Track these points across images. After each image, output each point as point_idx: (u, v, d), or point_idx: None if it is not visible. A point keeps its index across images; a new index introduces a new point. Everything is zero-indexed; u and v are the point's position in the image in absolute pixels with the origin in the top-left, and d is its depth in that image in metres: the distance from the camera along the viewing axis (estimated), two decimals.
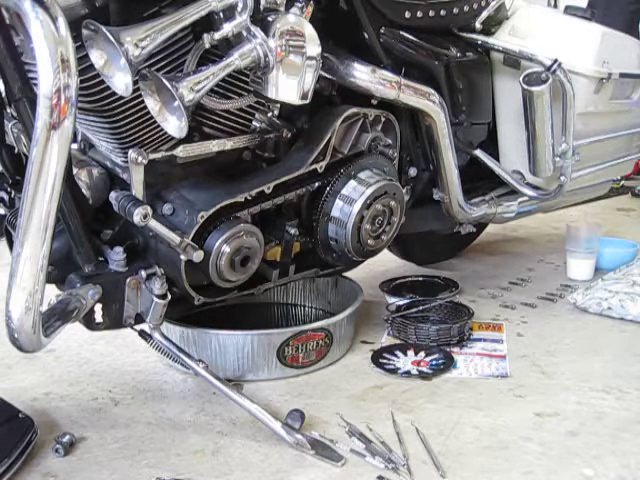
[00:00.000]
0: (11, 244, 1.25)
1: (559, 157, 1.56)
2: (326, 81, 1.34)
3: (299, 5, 1.14)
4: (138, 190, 1.15)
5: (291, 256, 1.35)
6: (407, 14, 1.45)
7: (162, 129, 1.09)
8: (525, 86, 1.47)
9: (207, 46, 1.07)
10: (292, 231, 1.31)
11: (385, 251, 1.58)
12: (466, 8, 1.55)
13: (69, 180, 1.09)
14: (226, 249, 1.17)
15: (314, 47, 1.12)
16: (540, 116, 1.49)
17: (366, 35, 1.39)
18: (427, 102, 1.42)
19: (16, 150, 1.23)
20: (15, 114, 1.10)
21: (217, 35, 1.06)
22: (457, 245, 2.13)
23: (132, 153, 1.13)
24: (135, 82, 1.00)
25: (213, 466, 1.07)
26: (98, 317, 1.17)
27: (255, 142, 1.28)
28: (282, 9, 1.12)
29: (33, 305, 0.91)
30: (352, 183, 1.33)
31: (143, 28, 0.98)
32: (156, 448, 1.12)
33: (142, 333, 1.24)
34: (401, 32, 1.45)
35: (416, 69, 1.46)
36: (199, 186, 1.22)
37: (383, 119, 1.41)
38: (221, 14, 1.06)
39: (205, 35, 1.06)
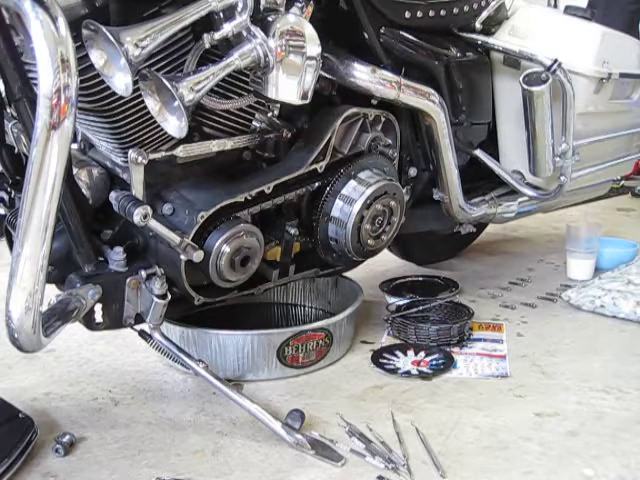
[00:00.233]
0: (11, 244, 1.25)
1: (559, 157, 1.56)
2: (326, 81, 1.34)
3: (299, 5, 1.14)
4: (138, 190, 1.15)
5: (291, 256, 1.35)
6: (407, 14, 1.45)
7: (162, 129, 1.09)
8: (525, 86, 1.47)
9: (207, 46, 1.07)
10: (292, 231, 1.31)
11: (385, 251, 1.58)
12: (466, 8, 1.55)
13: (69, 180, 1.09)
14: (226, 249, 1.17)
15: (314, 47, 1.12)
16: (540, 116, 1.49)
17: (366, 35, 1.39)
18: (427, 102, 1.42)
19: (16, 150, 1.23)
20: (15, 114, 1.10)
21: (217, 35, 1.06)
22: (457, 245, 2.13)
23: (132, 153, 1.13)
24: (135, 82, 1.00)
25: (213, 466, 1.07)
26: (98, 317, 1.17)
27: (255, 142, 1.28)
28: (282, 9, 1.12)
29: (33, 305, 0.91)
30: (352, 183, 1.33)
31: (143, 28, 0.98)
32: (156, 448, 1.12)
33: (142, 333, 1.24)
34: (401, 32, 1.45)
35: (416, 69, 1.46)
36: (199, 186, 1.22)
37: (383, 119, 1.41)
38: (221, 14, 1.06)
39: (205, 35, 1.06)
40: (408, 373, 1.36)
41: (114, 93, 1.04)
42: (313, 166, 1.30)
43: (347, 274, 1.58)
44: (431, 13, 1.49)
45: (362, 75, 1.32)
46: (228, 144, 1.24)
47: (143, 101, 1.06)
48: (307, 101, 1.16)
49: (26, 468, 1.06)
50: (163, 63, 1.08)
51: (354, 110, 1.35)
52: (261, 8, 1.10)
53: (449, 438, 1.13)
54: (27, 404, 1.25)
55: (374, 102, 1.38)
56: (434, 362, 1.40)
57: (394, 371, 1.37)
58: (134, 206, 1.09)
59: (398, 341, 1.52)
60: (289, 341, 1.32)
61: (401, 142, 1.47)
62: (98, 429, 1.18)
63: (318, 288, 1.65)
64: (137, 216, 1.08)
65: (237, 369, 1.33)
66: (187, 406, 1.25)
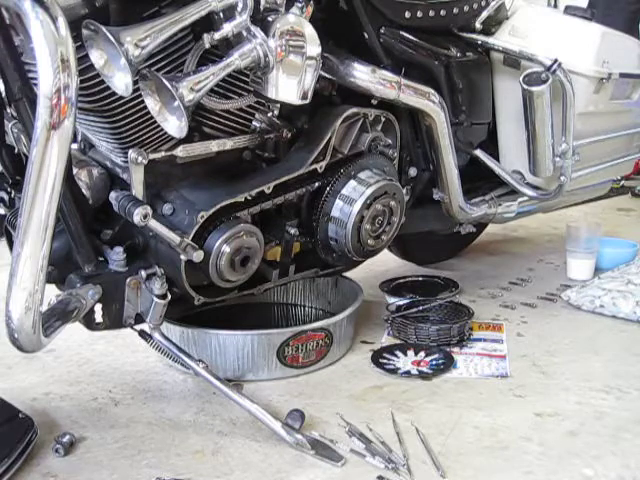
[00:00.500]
0: (11, 244, 1.25)
1: (559, 157, 1.56)
2: (326, 81, 1.34)
3: (299, 5, 1.14)
4: (138, 190, 1.15)
5: (291, 256, 1.35)
6: (407, 14, 1.45)
7: (162, 129, 1.09)
8: (525, 86, 1.47)
9: (207, 46, 1.07)
10: (292, 231, 1.31)
11: (385, 251, 1.58)
12: (466, 8, 1.55)
13: (69, 180, 1.09)
14: (226, 249, 1.17)
15: (314, 47, 1.12)
16: (540, 116, 1.49)
17: (366, 35, 1.39)
18: (427, 102, 1.42)
19: (16, 150, 1.23)
20: (15, 114, 1.10)
21: (217, 35, 1.06)
22: (457, 245, 2.13)
23: (132, 153, 1.13)
24: (135, 82, 1.00)
25: (213, 466, 1.07)
26: (98, 317, 1.17)
27: (255, 142, 1.28)
28: (282, 9, 1.12)
29: (33, 305, 0.91)
30: (352, 183, 1.33)
31: (143, 28, 0.98)
32: (156, 448, 1.12)
33: (142, 333, 1.24)
34: (401, 32, 1.45)
35: (416, 69, 1.46)
36: (199, 186, 1.22)
37: (383, 119, 1.41)
38: (221, 14, 1.06)
39: (205, 35, 1.06)
40: (408, 373, 1.36)
41: (114, 93, 1.04)
42: (313, 166, 1.30)
43: (347, 274, 1.58)
44: (431, 13, 1.49)
45: (362, 75, 1.32)
46: (228, 144, 1.24)
47: (143, 101, 1.06)
48: (307, 101, 1.16)
49: (26, 468, 1.06)
50: (163, 63, 1.08)
51: (354, 110, 1.35)
52: (261, 8, 1.10)
53: (449, 438, 1.13)
54: (27, 404, 1.25)
55: (374, 102, 1.38)
56: (434, 362, 1.40)
57: (394, 371, 1.37)
58: (134, 206, 1.09)
59: (398, 341, 1.52)
60: (289, 341, 1.32)
61: (401, 142, 1.47)
62: (98, 429, 1.18)
63: (318, 288, 1.65)
64: (137, 216, 1.08)
65: (237, 369, 1.33)
66: (187, 406, 1.25)
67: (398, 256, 2.03)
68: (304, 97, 1.15)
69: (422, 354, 1.43)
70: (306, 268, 1.41)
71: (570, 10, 1.66)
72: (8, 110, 1.20)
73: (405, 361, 1.41)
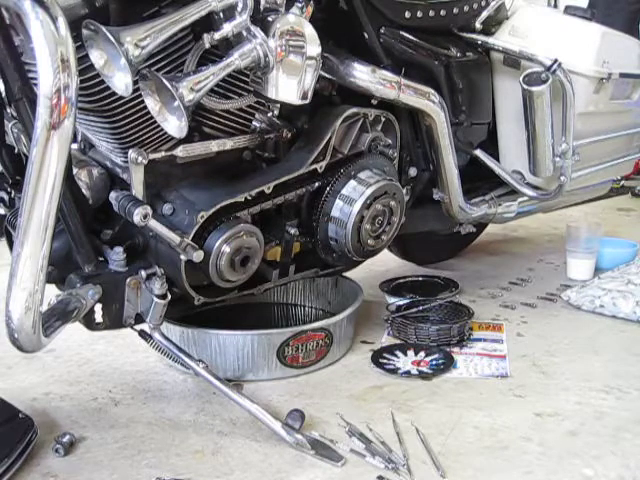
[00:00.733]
0: (11, 244, 1.25)
1: (559, 157, 1.56)
2: (326, 81, 1.34)
3: (299, 5, 1.14)
4: (138, 190, 1.15)
5: (291, 256, 1.35)
6: (407, 14, 1.45)
7: (162, 129, 1.09)
8: (525, 86, 1.47)
9: (207, 46, 1.07)
10: (292, 231, 1.31)
11: (385, 251, 1.58)
12: (466, 8, 1.55)
13: (69, 180, 1.09)
14: (226, 249, 1.17)
15: (314, 47, 1.12)
16: (540, 116, 1.49)
17: (366, 35, 1.39)
18: (427, 102, 1.42)
19: (16, 150, 1.23)
20: (15, 114, 1.10)
21: (217, 35, 1.06)
22: (457, 245, 2.13)
23: (132, 153, 1.13)
24: (135, 82, 1.00)
25: (213, 466, 1.07)
26: (98, 317, 1.17)
27: (255, 142, 1.28)
28: (282, 9, 1.12)
29: (33, 305, 0.91)
30: (352, 183, 1.33)
31: (143, 28, 0.98)
32: (156, 448, 1.12)
33: (142, 333, 1.24)
34: (401, 32, 1.45)
35: (416, 69, 1.46)
36: (199, 186, 1.22)
37: (383, 119, 1.41)
38: (221, 14, 1.06)
39: (205, 35, 1.06)
40: (408, 373, 1.36)
41: (114, 93, 1.04)
42: (313, 166, 1.30)
43: (347, 274, 1.58)
44: (431, 13, 1.49)
45: (362, 75, 1.32)
46: (228, 144, 1.24)
47: (143, 101, 1.06)
48: (307, 101, 1.16)
49: (26, 468, 1.06)
50: (163, 63, 1.08)
51: (354, 110, 1.35)
52: (261, 8, 1.10)
53: (449, 438, 1.13)
54: (27, 404, 1.25)
55: (374, 102, 1.38)
56: (434, 362, 1.40)
57: (394, 371, 1.37)
58: (134, 206, 1.09)
59: (398, 341, 1.52)
60: (289, 341, 1.32)
61: (401, 142, 1.47)
62: (98, 429, 1.18)
63: (318, 288, 1.65)
64: (137, 216, 1.08)
65: (237, 369, 1.33)
66: (187, 406, 1.25)
67: (398, 256, 2.03)
68: (304, 97, 1.15)
69: (422, 354, 1.43)
70: (306, 268, 1.41)
71: (570, 10, 1.66)
72: (8, 110, 1.20)
73: (405, 361, 1.41)
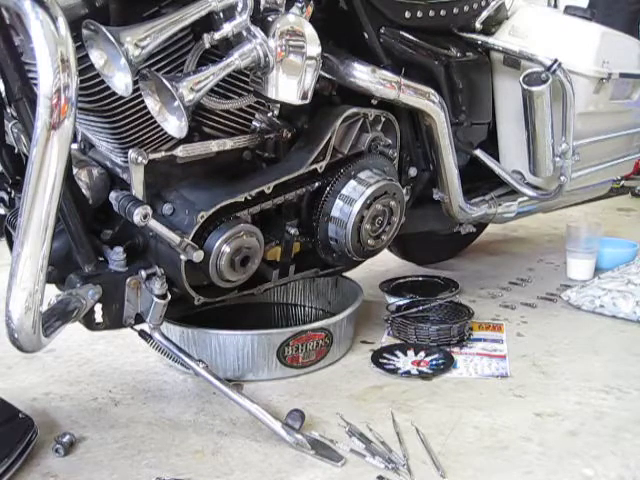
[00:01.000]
0: (11, 244, 1.25)
1: (559, 157, 1.56)
2: (326, 81, 1.34)
3: (299, 5, 1.14)
4: (138, 190, 1.15)
5: (291, 256, 1.35)
6: (407, 14, 1.45)
7: (162, 129, 1.09)
8: (525, 86, 1.47)
9: (207, 46, 1.07)
10: (292, 231, 1.31)
11: (385, 251, 1.58)
12: (466, 8, 1.55)
13: (69, 180, 1.09)
14: (226, 249, 1.17)
15: (314, 47, 1.12)
16: (540, 116, 1.49)
17: (366, 35, 1.39)
18: (427, 102, 1.42)
19: (16, 150, 1.23)
20: (15, 114, 1.10)
21: (217, 35, 1.06)
22: (457, 245, 2.13)
23: (132, 153, 1.13)
24: (135, 82, 1.00)
25: (213, 466, 1.07)
26: (98, 317, 1.17)
27: (255, 142, 1.28)
28: (282, 9, 1.12)
29: (33, 305, 0.91)
30: (352, 183, 1.33)
31: (143, 28, 0.98)
32: (156, 448, 1.12)
33: (142, 333, 1.24)
34: (401, 32, 1.45)
35: (416, 69, 1.46)
36: (199, 186, 1.22)
37: (383, 119, 1.41)
38: (221, 14, 1.06)
39: (205, 35, 1.06)
40: (408, 373, 1.36)
41: (114, 93, 1.04)
42: (313, 166, 1.30)
43: (347, 274, 1.58)
44: (431, 13, 1.49)
45: (362, 75, 1.32)
46: (228, 144, 1.24)
47: (143, 101, 1.06)
48: (307, 101, 1.16)
49: (26, 468, 1.06)
50: (163, 63, 1.08)
51: (354, 110, 1.35)
52: (261, 8, 1.10)
53: (449, 438, 1.13)
54: (27, 404, 1.25)
55: (374, 102, 1.38)
56: (434, 362, 1.40)
57: (394, 371, 1.37)
58: (134, 206, 1.09)
59: (398, 341, 1.52)
60: (289, 341, 1.32)
61: (401, 142, 1.47)
62: (98, 429, 1.18)
63: (318, 288, 1.65)
64: (137, 216, 1.08)
65: (237, 369, 1.33)
66: (187, 406, 1.25)
67: (398, 256, 2.03)
68: (304, 97, 1.15)
69: (422, 354, 1.43)
70: (306, 268, 1.41)
71: (570, 10, 1.66)
72: (8, 110, 1.20)
73: (405, 361, 1.41)
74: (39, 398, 1.29)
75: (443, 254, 2.10)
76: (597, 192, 1.94)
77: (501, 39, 1.59)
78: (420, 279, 1.87)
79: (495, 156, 1.67)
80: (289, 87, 1.12)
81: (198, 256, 1.14)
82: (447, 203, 1.58)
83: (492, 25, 1.63)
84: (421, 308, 1.58)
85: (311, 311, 1.66)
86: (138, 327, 1.23)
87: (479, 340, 1.51)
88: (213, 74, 1.05)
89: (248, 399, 1.15)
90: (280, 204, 1.30)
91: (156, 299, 1.17)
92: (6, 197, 1.30)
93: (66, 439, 1.11)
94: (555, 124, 1.51)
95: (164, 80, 1.00)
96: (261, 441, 1.13)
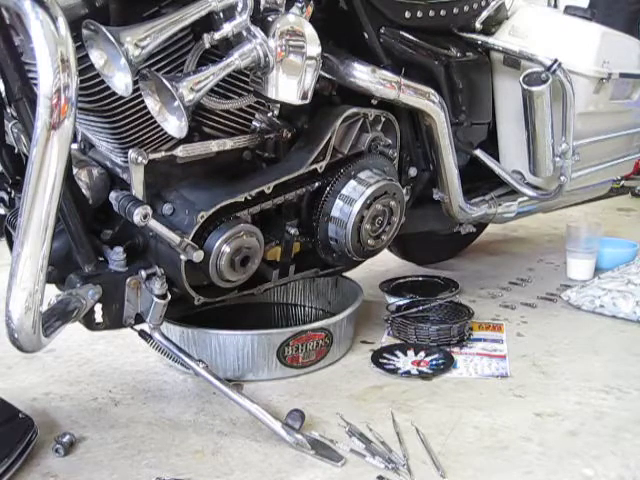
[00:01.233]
0: (11, 244, 1.25)
1: (559, 157, 1.56)
2: (326, 81, 1.34)
3: (299, 5, 1.14)
4: (138, 190, 1.15)
5: (291, 256, 1.35)
6: (407, 14, 1.45)
7: (162, 129, 1.09)
8: (525, 86, 1.47)
9: (207, 46, 1.07)
10: (292, 231, 1.31)
11: (385, 251, 1.58)
12: (466, 8, 1.55)
13: (69, 180, 1.09)
14: (226, 249, 1.17)
15: (314, 47, 1.12)
16: (540, 116, 1.49)
17: (366, 35, 1.39)
18: (427, 102, 1.42)
19: (16, 150, 1.23)
20: (15, 114, 1.10)
21: (217, 35, 1.06)
22: (457, 245, 2.13)
23: (132, 153, 1.13)
24: (135, 82, 1.00)
25: (213, 466, 1.07)
26: (98, 317, 1.17)
27: (255, 142, 1.28)
28: (282, 9, 1.12)
29: (33, 305, 0.91)
30: (352, 183, 1.33)
31: (143, 28, 0.98)
32: (156, 448, 1.12)
33: (142, 333, 1.24)
34: (401, 32, 1.45)
35: (416, 69, 1.46)
36: (199, 186, 1.22)
37: (383, 119, 1.41)
38: (221, 14, 1.06)
39: (205, 35, 1.06)
40: (408, 373, 1.36)
41: (114, 93, 1.04)
42: (313, 166, 1.30)
43: (347, 274, 1.58)
44: (431, 13, 1.49)
45: (362, 75, 1.32)
46: (228, 144, 1.24)
47: (143, 101, 1.06)
48: (307, 101, 1.16)
49: (26, 468, 1.06)
50: (163, 63, 1.08)
51: (354, 110, 1.35)
52: (261, 8, 1.10)
53: (449, 438, 1.13)
54: (27, 404, 1.25)
55: (374, 102, 1.38)
56: (434, 362, 1.40)
57: (394, 371, 1.37)
58: (134, 206, 1.09)
59: (398, 341, 1.52)
60: (289, 341, 1.32)
61: (401, 142, 1.47)
62: (98, 429, 1.18)
63: (318, 288, 1.65)
64: (137, 216, 1.08)
65: (237, 369, 1.33)
66: (187, 406, 1.25)
67: (398, 256, 2.03)
68: (304, 97, 1.15)
69: (422, 354, 1.43)
70: (306, 268, 1.41)
71: (570, 10, 1.66)
72: (8, 110, 1.20)
73: (405, 361, 1.41)
74: (39, 398, 1.29)
75: (443, 254, 2.10)
76: (597, 192, 1.94)
77: (501, 39, 1.59)
78: (420, 279, 1.87)
79: (495, 156, 1.67)
80: (289, 87, 1.12)
81: (198, 256, 1.14)
82: (447, 203, 1.58)
83: (492, 25, 1.63)
84: (421, 308, 1.58)
85: (311, 311, 1.66)
86: (138, 327, 1.23)
87: (479, 340, 1.51)
88: (213, 74, 1.05)
89: (248, 399, 1.15)
90: (280, 204, 1.30)
91: (156, 299, 1.17)
92: (6, 197, 1.30)
93: (66, 439, 1.11)
94: (555, 124, 1.51)
95: (164, 80, 1.00)
96: (261, 441, 1.13)
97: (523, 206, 1.72)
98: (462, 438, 1.13)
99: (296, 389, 1.31)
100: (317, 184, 1.33)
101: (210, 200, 1.18)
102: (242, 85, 1.19)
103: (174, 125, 1.04)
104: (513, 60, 1.56)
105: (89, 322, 1.17)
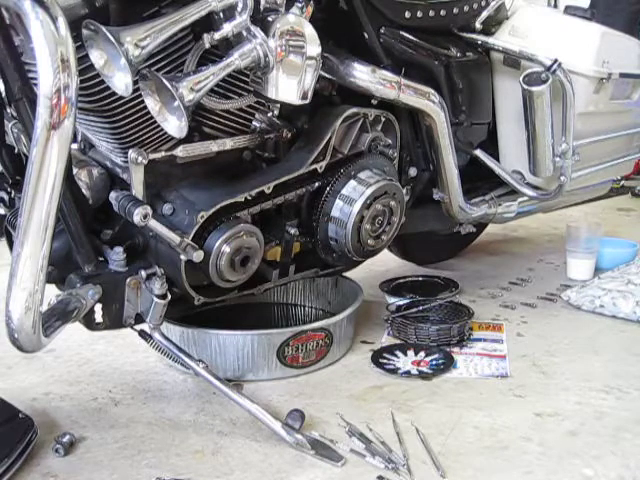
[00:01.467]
0: (11, 244, 1.25)
1: (559, 157, 1.56)
2: (326, 81, 1.34)
3: (299, 5, 1.14)
4: (138, 190, 1.15)
5: (291, 256, 1.35)
6: (407, 14, 1.45)
7: (162, 129, 1.09)
8: (525, 86, 1.47)
9: (207, 46, 1.07)
10: (292, 231, 1.31)
11: (385, 251, 1.58)
12: (466, 8, 1.55)
13: (69, 180, 1.09)
14: (226, 249, 1.17)
15: (314, 47, 1.12)
16: (540, 116, 1.49)
17: (366, 35, 1.39)
18: (427, 102, 1.42)
19: (16, 150, 1.23)
20: (15, 114, 1.10)
21: (217, 35, 1.06)
22: (457, 245, 2.13)
23: (132, 153, 1.13)
24: (135, 82, 1.00)
25: (213, 466, 1.07)
26: (98, 317, 1.17)
27: (255, 142, 1.28)
28: (282, 9, 1.12)
29: (33, 305, 0.91)
30: (352, 183, 1.33)
31: (143, 28, 0.98)
32: (156, 448, 1.12)
33: (142, 333, 1.24)
34: (401, 32, 1.45)
35: (416, 69, 1.46)
36: (199, 186, 1.22)
37: (383, 119, 1.41)
38: (221, 14, 1.06)
39: (205, 35, 1.06)
40: (408, 373, 1.36)
41: (114, 93, 1.04)
42: (313, 166, 1.30)
43: (347, 274, 1.58)
44: (431, 13, 1.49)
45: (362, 75, 1.32)
46: (228, 144, 1.24)
47: (143, 101, 1.06)
48: (307, 101, 1.16)
49: (26, 468, 1.06)
50: (163, 63, 1.08)
51: (354, 110, 1.35)
52: (261, 8, 1.10)
53: (449, 438, 1.13)
54: (27, 404, 1.25)
55: (374, 102, 1.38)
56: (434, 362, 1.40)
57: (394, 371, 1.37)
58: (134, 206, 1.09)
59: (398, 341, 1.52)
60: (289, 341, 1.32)
61: (401, 142, 1.47)
62: (98, 429, 1.18)
63: (318, 288, 1.65)
64: (137, 216, 1.08)
65: (237, 369, 1.33)
66: (187, 406, 1.25)
67: (398, 256, 2.03)
68: (304, 97, 1.15)
69: (422, 354, 1.43)
70: (306, 268, 1.41)
71: (570, 10, 1.67)
72: (8, 110, 1.20)
73: (405, 361, 1.41)
74: (39, 398, 1.29)
75: (443, 254, 2.10)
76: (597, 192, 1.95)
77: (501, 39, 1.59)
78: (420, 279, 1.87)
79: (495, 156, 1.67)
80: (289, 87, 1.12)
81: (198, 256, 1.14)
82: (447, 203, 1.58)
83: (492, 25, 1.63)
84: (421, 308, 1.58)
85: (311, 311, 1.66)
86: (138, 327, 1.23)
87: (479, 340, 1.51)
88: (213, 74, 1.05)
89: (248, 399, 1.15)
90: (280, 204, 1.30)
91: (156, 299, 1.17)
92: (6, 197, 1.30)
93: (66, 439, 1.11)
94: (555, 124, 1.51)
95: (164, 80, 1.00)
96: (261, 441, 1.13)
97: (523, 206, 1.72)
98: (462, 438, 1.13)
99: (296, 389, 1.31)
100: (317, 184, 1.33)
101: (210, 200, 1.18)
102: (242, 85, 1.19)
103: (174, 125, 1.04)
104: (513, 60, 1.56)
105: (89, 322, 1.17)
